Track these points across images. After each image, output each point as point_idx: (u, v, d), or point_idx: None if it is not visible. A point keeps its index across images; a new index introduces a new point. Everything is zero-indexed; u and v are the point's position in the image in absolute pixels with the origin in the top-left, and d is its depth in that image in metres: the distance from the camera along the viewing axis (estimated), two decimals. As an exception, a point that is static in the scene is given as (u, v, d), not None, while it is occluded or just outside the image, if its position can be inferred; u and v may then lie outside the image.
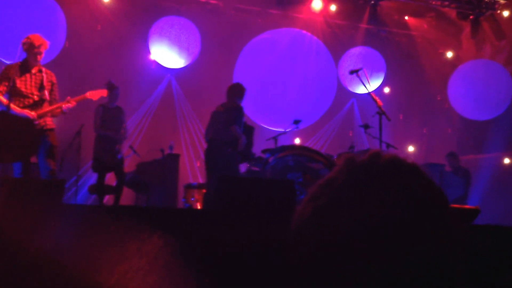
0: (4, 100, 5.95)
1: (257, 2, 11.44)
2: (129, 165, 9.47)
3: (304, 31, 11.73)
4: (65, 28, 10.09)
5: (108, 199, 9.28)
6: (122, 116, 8.00)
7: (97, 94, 6.64)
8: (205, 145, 7.77)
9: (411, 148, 12.96)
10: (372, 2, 11.11)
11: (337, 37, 12.23)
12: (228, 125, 7.07)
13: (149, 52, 10.81)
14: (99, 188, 8.06)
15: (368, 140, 11.01)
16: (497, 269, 4.49)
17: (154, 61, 10.88)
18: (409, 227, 0.83)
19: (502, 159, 11.79)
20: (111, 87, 7.83)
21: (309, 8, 11.48)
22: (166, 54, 10.73)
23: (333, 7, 11.68)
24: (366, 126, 8.95)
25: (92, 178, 9.38)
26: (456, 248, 0.87)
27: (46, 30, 9.72)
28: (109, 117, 7.83)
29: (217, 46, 11.21)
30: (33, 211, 3.57)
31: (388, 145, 8.84)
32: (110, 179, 8.50)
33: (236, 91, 7.40)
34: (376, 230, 0.83)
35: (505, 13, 11.71)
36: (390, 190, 0.85)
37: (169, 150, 9.55)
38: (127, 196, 9.36)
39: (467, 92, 11.69)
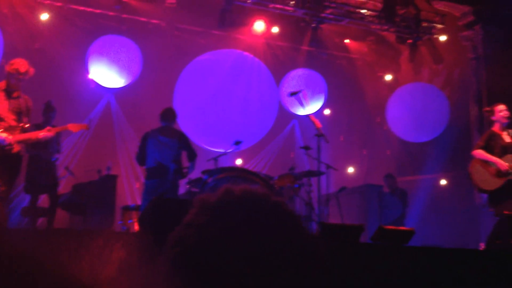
0: None
1: (200, 23, 11.42)
2: (65, 186, 9.18)
3: (246, 53, 11.77)
4: (1, 46, 9.75)
5: (42, 221, 8.94)
6: (56, 136, 7.75)
7: (77, 127, 6.69)
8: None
9: (351, 169, 13.13)
10: (313, 25, 11.25)
11: (279, 58, 12.34)
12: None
13: (88, 71, 10.57)
14: (32, 211, 7.77)
15: (309, 162, 11.07)
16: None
17: (93, 81, 10.64)
18: (266, 255, 0.91)
19: (438, 180, 12.10)
20: (47, 108, 7.70)
21: (251, 30, 11.54)
22: (105, 73, 10.52)
23: (275, 29, 11.78)
24: (306, 148, 9.01)
25: (25, 200, 9.02)
26: (311, 268, 0.96)
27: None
28: (42, 137, 7.57)
29: (158, 66, 11.10)
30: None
31: (328, 166, 8.92)
32: (44, 201, 8.22)
33: (174, 116, 7.53)
34: (239, 261, 0.89)
35: (442, 38, 12.12)
36: (245, 223, 0.93)
37: (106, 171, 9.30)
38: (62, 219, 9.04)
39: (405, 114, 11.98)
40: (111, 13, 10.89)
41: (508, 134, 6.88)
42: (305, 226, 0.98)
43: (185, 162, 7.65)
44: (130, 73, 10.67)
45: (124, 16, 10.98)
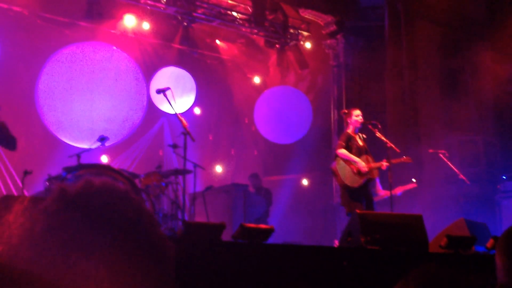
0: None
1: (66, 13, 10.93)
2: None
3: (115, 47, 11.45)
4: None
5: None
6: None
7: None
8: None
9: (219, 168, 13.31)
10: (185, 23, 11.26)
11: (149, 55, 12.17)
12: None
13: None
14: None
15: (177, 160, 11.06)
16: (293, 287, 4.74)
17: None
18: (120, 248, 0.92)
19: (301, 180, 12.67)
20: None
21: (121, 24, 11.27)
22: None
23: (146, 25, 11.60)
24: (174, 146, 9.01)
25: None
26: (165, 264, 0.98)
27: None
28: None
29: (19, 56, 10.45)
30: None
31: (195, 165, 8.98)
32: None
33: None
34: (89, 253, 0.90)
35: (307, 45, 12.71)
36: (101, 215, 0.93)
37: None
38: None
39: (271, 116, 12.40)
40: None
41: (360, 138, 7.45)
42: (157, 225, 1.00)
43: None
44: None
45: (-19, 0, 10.24)
